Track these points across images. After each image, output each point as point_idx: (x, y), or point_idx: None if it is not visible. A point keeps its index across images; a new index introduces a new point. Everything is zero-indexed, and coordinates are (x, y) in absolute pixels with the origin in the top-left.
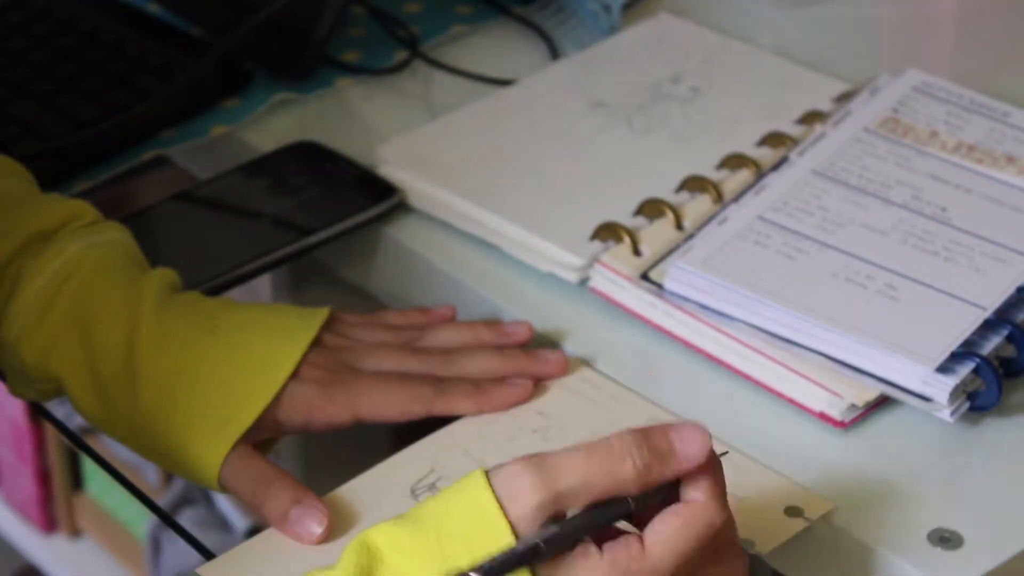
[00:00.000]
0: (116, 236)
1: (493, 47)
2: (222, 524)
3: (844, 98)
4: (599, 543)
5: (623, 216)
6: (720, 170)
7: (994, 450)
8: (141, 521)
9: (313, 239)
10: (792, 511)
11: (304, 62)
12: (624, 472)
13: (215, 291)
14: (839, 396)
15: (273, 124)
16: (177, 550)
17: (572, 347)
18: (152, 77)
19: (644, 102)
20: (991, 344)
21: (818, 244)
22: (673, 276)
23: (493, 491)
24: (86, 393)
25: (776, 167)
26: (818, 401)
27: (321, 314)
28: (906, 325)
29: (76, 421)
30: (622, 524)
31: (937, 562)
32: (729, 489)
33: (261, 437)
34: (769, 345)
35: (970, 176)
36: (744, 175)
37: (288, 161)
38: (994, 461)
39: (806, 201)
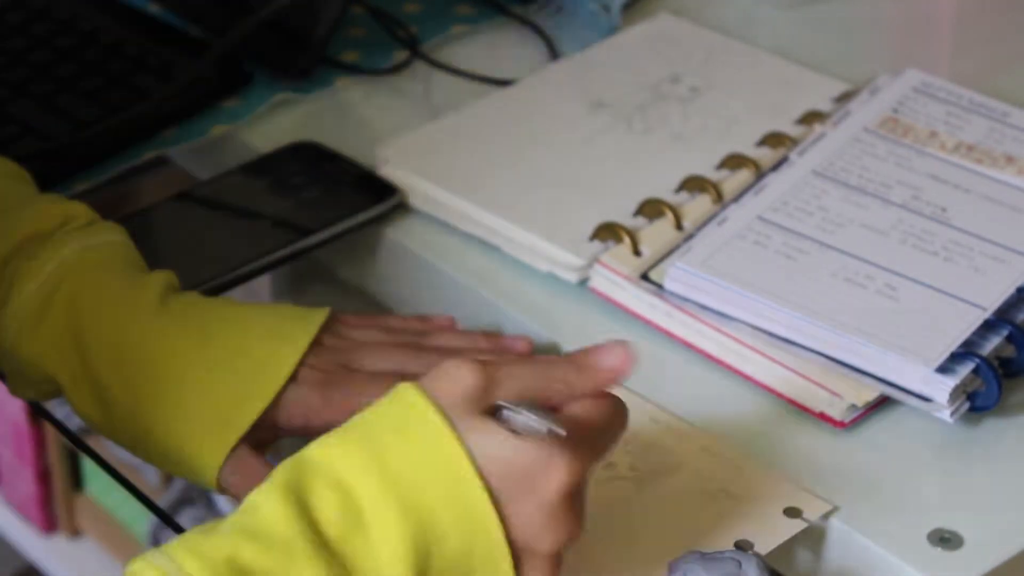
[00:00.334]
0: (113, 237)
1: (493, 47)
2: None
3: (844, 98)
4: None
5: (623, 216)
6: (720, 170)
7: (994, 450)
8: (141, 521)
9: (313, 239)
10: (792, 511)
11: (304, 62)
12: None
13: (215, 291)
14: (839, 396)
15: (273, 124)
16: None
17: (572, 347)
18: (152, 77)
19: (644, 102)
20: (991, 344)
21: (818, 244)
22: (673, 276)
23: (423, 393)
24: (84, 395)
25: (776, 167)
26: (818, 401)
27: (320, 315)
28: (906, 325)
29: (76, 421)
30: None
31: (937, 562)
32: (729, 489)
33: (260, 438)
34: (769, 345)
35: (970, 176)
36: (744, 175)
37: (288, 161)
38: (994, 461)
39: (806, 201)
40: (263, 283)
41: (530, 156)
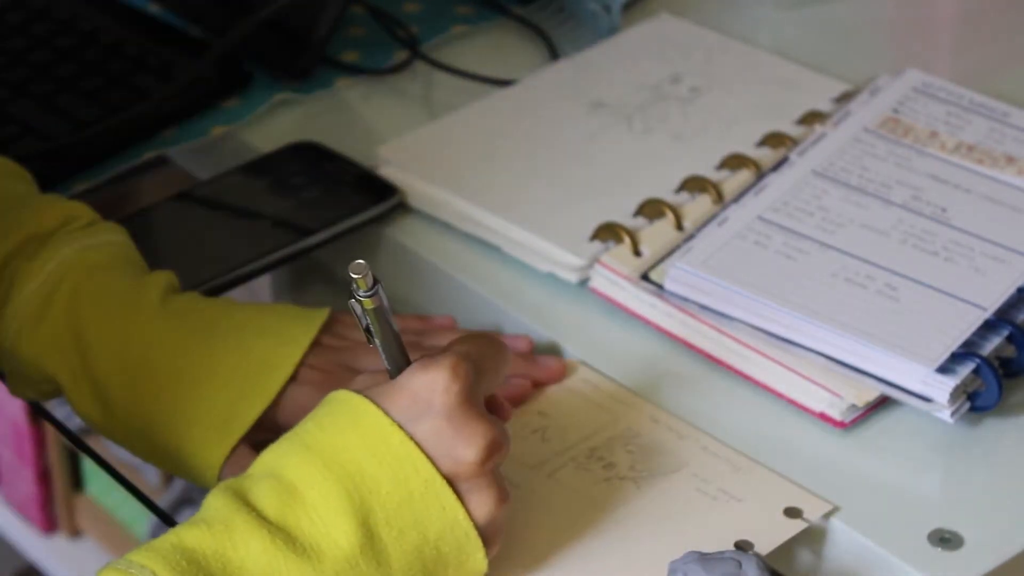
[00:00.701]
0: (112, 238)
1: (493, 47)
2: None
3: (844, 98)
4: None
5: (623, 216)
6: (720, 170)
7: (994, 450)
8: (141, 521)
9: (313, 239)
10: (792, 511)
11: (304, 62)
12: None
13: (215, 291)
14: (839, 396)
15: (273, 124)
16: None
17: (572, 347)
18: (152, 77)
19: (644, 102)
20: (991, 344)
21: (818, 244)
22: (673, 276)
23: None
24: (84, 395)
25: (776, 167)
26: (818, 401)
27: (320, 315)
28: (906, 325)
29: (76, 421)
30: None
31: (937, 562)
32: (729, 489)
33: (260, 438)
34: (769, 345)
35: (970, 176)
36: (744, 175)
37: (288, 161)
38: (994, 461)
39: (806, 201)
40: (263, 283)
41: (530, 156)
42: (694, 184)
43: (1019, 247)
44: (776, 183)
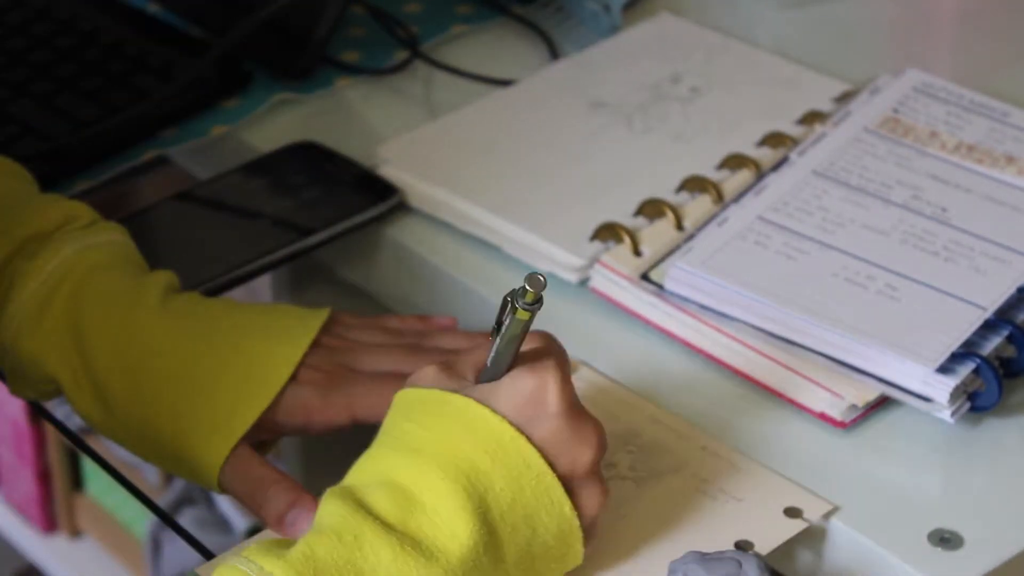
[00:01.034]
0: (113, 237)
1: (493, 47)
2: (222, 524)
3: (844, 98)
4: None
5: (623, 216)
6: (720, 170)
7: (994, 450)
8: (141, 521)
9: (313, 239)
10: (792, 511)
11: (304, 62)
12: None
13: (215, 291)
14: (839, 396)
15: (273, 124)
16: (177, 550)
17: (572, 347)
18: (152, 77)
19: (644, 102)
20: (991, 344)
21: (818, 244)
22: (673, 276)
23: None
24: (84, 395)
25: (776, 167)
26: (818, 401)
27: (320, 315)
28: (906, 325)
29: (76, 421)
30: None
31: (937, 562)
32: (729, 489)
33: (260, 438)
34: (769, 345)
35: (970, 176)
36: (744, 175)
37: (288, 161)
38: (994, 461)
39: (806, 201)
40: (263, 283)
41: (530, 156)
42: (694, 184)
43: (1019, 247)
44: (776, 183)
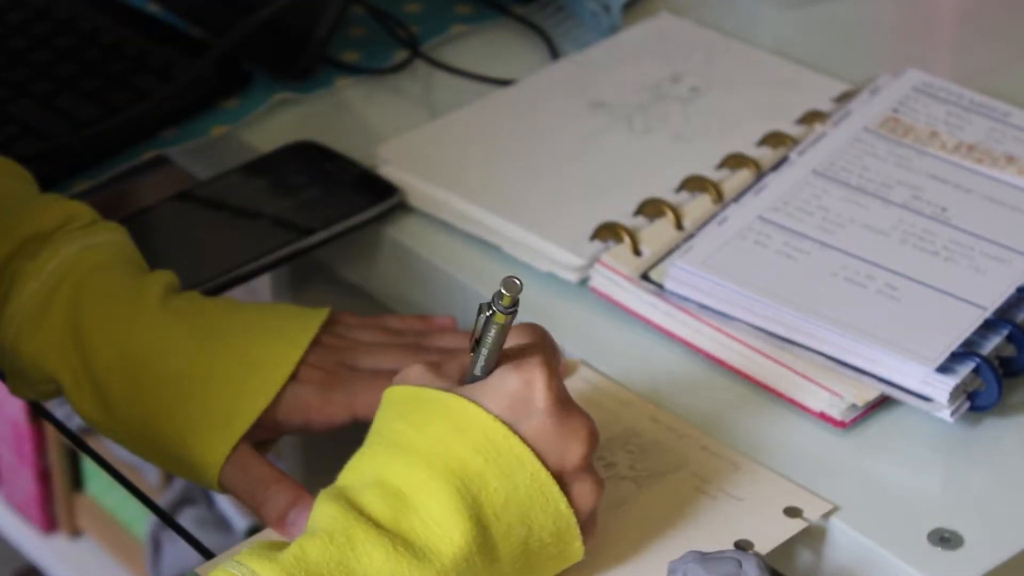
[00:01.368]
0: (113, 237)
1: (493, 47)
2: (222, 524)
3: (844, 98)
4: None
5: (623, 216)
6: (720, 170)
7: (994, 450)
8: (141, 521)
9: (313, 239)
10: (792, 511)
11: (304, 62)
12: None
13: (215, 291)
14: (839, 396)
15: (273, 124)
16: (177, 550)
17: (572, 347)
18: (152, 77)
19: (644, 102)
20: (991, 344)
21: (818, 244)
22: (673, 276)
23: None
24: (84, 395)
25: (776, 167)
26: (818, 401)
27: (320, 315)
28: (906, 325)
29: (76, 421)
30: None
31: (937, 562)
32: (729, 489)
33: (261, 437)
34: (769, 345)
35: (970, 176)
36: (744, 175)
37: (288, 161)
38: (994, 461)
39: (806, 201)
40: (263, 283)
41: (530, 156)
42: (694, 184)
43: (1019, 247)
44: (776, 183)
